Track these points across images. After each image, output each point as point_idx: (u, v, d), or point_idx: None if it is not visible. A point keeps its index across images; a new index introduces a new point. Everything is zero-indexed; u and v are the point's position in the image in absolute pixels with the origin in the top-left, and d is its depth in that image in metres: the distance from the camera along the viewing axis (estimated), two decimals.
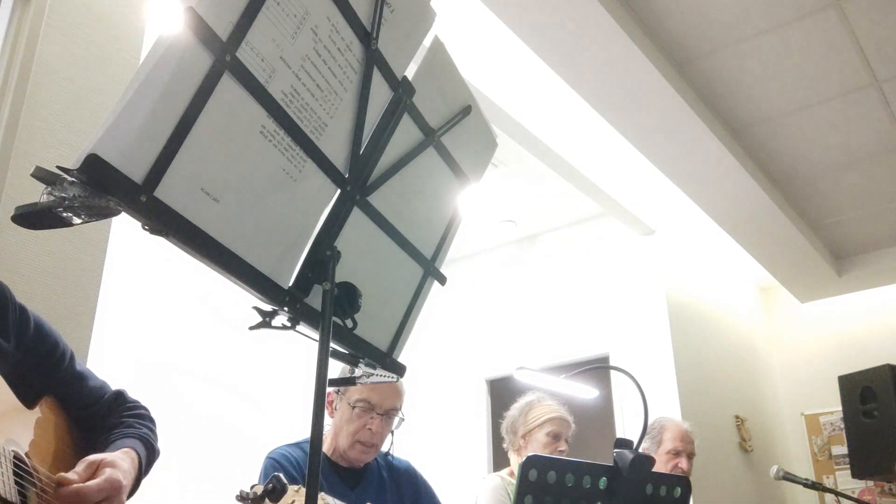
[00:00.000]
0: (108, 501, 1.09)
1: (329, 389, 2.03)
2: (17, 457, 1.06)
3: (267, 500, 1.04)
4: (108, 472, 1.10)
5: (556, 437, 2.73)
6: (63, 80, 2.01)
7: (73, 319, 1.90)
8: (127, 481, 1.14)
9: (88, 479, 1.08)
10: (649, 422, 3.19)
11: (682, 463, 3.01)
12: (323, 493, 1.50)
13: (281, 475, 1.05)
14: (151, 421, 1.38)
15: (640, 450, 3.05)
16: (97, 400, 1.33)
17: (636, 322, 4.84)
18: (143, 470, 1.25)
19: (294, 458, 1.96)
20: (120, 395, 1.38)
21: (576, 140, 3.99)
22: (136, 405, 1.39)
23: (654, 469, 2.98)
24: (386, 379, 1.35)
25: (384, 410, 2.00)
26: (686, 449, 3.05)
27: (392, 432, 2.05)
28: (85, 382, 1.32)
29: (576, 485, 1.46)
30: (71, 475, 1.06)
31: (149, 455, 1.30)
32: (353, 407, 1.99)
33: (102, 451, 1.20)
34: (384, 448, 2.07)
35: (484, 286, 5.53)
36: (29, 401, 1.17)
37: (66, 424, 1.25)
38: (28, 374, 1.20)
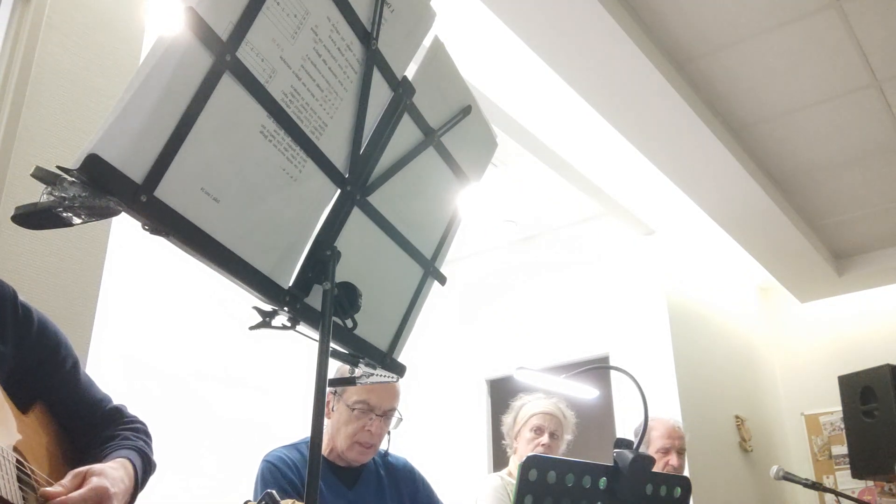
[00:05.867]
0: None
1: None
2: (17, 460, 1.05)
3: None
4: (93, 482, 1.08)
5: (538, 430, 2.74)
6: (63, 80, 2.00)
7: (73, 319, 1.90)
8: (116, 489, 1.12)
9: (74, 491, 1.06)
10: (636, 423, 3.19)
11: (673, 460, 2.96)
12: None
13: (273, 492, 1.04)
14: (147, 435, 1.37)
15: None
16: (94, 411, 1.31)
17: (636, 322, 4.84)
18: (139, 480, 1.24)
19: (291, 460, 1.95)
20: (118, 410, 1.36)
21: (576, 140, 3.99)
22: (134, 420, 1.38)
23: None
24: (386, 379, 1.34)
25: (383, 411, 2.01)
26: (675, 445, 3.01)
27: (389, 432, 2.06)
28: (84, 392, 1.31)
29: (576, 485, 1.46)
30: (55, 488, 1.05)
31: (144, 466, 1.28)
32: (353, 409, 1.99)
33: (97, 462, 1.18)
34: (381, 447, 2.08)
35: (484, 286, 5.52)
36: (23, 406, 1.16)
37: (58, 433, 1.23)
38: (25, 376, 1.19)
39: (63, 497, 1.04)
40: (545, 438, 2.73)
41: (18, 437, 1.10)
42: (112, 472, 1.14)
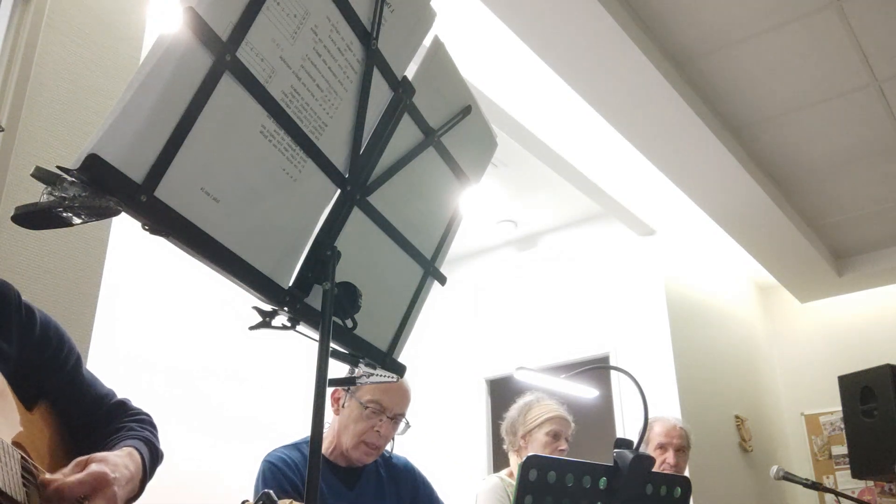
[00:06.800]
0: (94, 495, 1.07)
1: (338, 387, 2.03)
2: (21, 457, 1.06)
3: None
4: (92, 468, 1.07)
5: (556, 436, 2.73)
6: (63, 80, 2.01)
7: (73, 319, 1.90)
8: (118, 475, 1.11)
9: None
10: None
11: (670, 458, 2.97)
12: None
13: (271, 491, 1.04)
14: (153, 426, 1.37)
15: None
16: (98, 407, 1.31)
17: (636, 322, 4.84)
18: (147, 468, 1.24)
19: (292, 460, 1.94)
20: (122, 404, 1.36)
21: (576, 140, 3.99)
22: (139, 412, 1.38)
23: None
24: (386, 379, 1.34)
25: (394, 414, 2.01)
26: (673, 443, 3.01)
27: (393, 438, 2.05)
28: (89, 388, 1.30)
29: (576, 485, 1.46)
30: (56, 475, 1.05)
31: (152, 456, 1.28)
32: (366, 406, 1.98)
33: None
34: (385, 450, 2.08)
35: (484, 286, 5.53)
36: (28, 404, 1.16)
37: (62, 431, 1.23)
38: (30, 375, 1.19)
39: (60, 482, 1.04)
40: (564, 444, 2.73)
41: (20, 429, 1.10)
42: (115, 458, 1.14)
